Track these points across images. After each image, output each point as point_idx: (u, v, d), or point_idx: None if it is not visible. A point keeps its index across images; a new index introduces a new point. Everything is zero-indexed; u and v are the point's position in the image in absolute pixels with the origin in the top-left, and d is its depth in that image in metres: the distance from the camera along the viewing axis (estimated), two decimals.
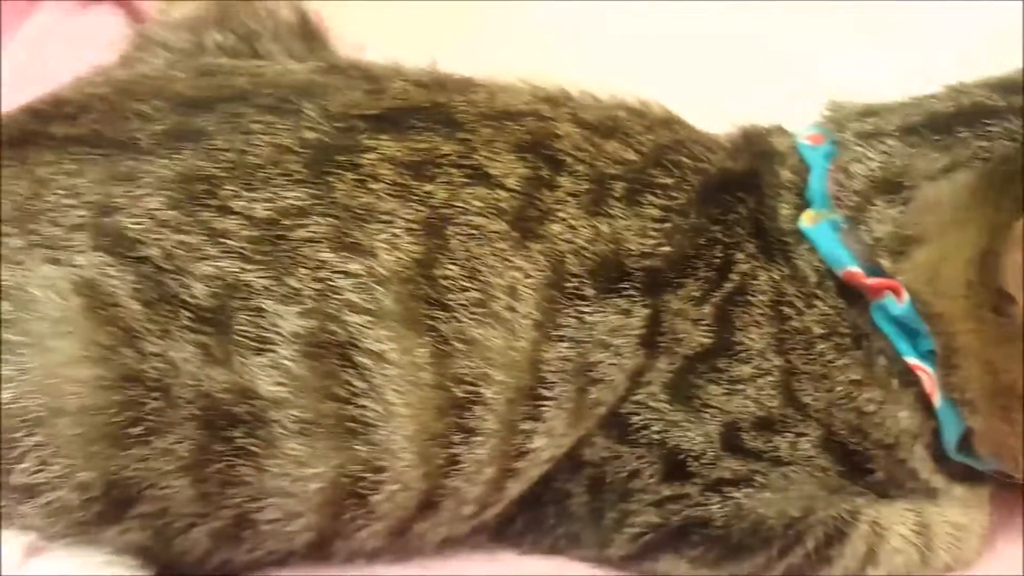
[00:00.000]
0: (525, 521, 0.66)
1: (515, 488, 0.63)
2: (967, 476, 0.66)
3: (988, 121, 0.62)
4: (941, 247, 0.60)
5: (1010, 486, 0.67)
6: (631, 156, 0.65)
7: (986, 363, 0.60)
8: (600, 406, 0.63)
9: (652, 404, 0.63)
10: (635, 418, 0.63)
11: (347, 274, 0.58)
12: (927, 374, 0.62)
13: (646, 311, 0.62)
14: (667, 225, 0.63)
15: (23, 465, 0.54)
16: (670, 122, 0.69)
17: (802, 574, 0.63)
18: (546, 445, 0.62)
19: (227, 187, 0.58)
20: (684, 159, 0.66)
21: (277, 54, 0.76)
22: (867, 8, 1.22)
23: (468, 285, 0.59)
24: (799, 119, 0.72)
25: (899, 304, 0.61)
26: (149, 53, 0.76)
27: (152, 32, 0.78)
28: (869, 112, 0.68)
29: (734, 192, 0.66)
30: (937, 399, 0.62)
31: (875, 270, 0.62)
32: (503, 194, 0.61)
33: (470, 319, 0.59)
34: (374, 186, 0.59)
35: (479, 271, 0.59)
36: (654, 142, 0.66)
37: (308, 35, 0.79)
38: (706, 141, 0.69)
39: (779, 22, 1.10)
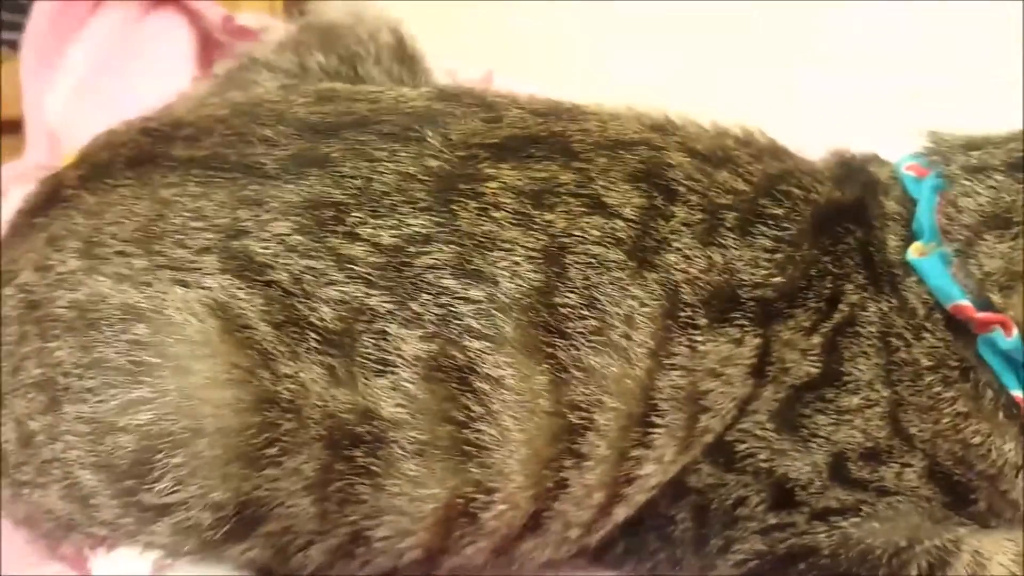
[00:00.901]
0: (627, 545, 0.67)
1: (621, 513, 0.64)
2: None
3: None
4: None
5: None
6: (742, 186, 0.66)
7: None
8: (708, 434, 0.64)
9: (759, 432, 0.64)
10: (741, 446, 0.64)
11: (468, 300, 0.59)
12: None
13: (757, 340, 0.63)
14: (778, 256, 0.64)
15: (160, 486, 0.55)
16: (776, 151, 0.70)
17: None
18: (655, 472, 0.63)
19: (354, 214, 0.59)
20: (794, 189, 0.67)
21: (378, 76, 0.77)
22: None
23: (586, 313, 0.60)
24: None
25: (1008, 338, 0.62)
26: (254, 73, 0.78)
27: (256, 52, 0.79)
28: (973, 145, 0.69)
29: (843, 223, 0.67)
30: None
31: (984, 304, 0.63)
32: (620, 223, 0.62)
33: (587, 347, 0.60)
34: (496, 214, 0.60)
35: (597, 299, 0.60)
36: (763, 172, 0.67)
37: (406, 58, 0.80)
38: (812, 171, 0.70)
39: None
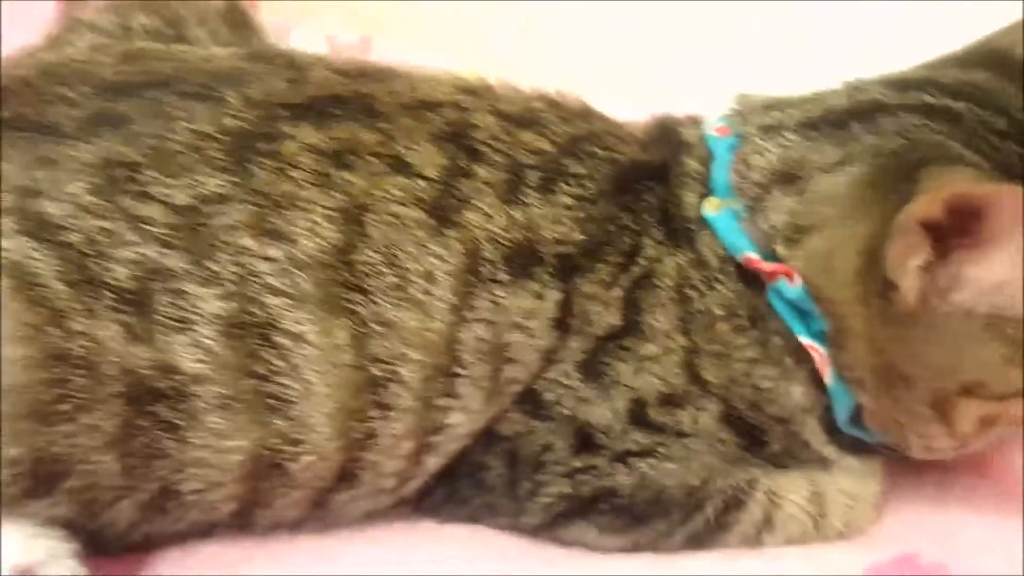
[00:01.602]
0: (444, 493, 0.70)
1: (433, 462, 0.67)
2: (859, 448, 0.71)
3: (881, 117, 0.66)
4: (832, 236, 0.64)
5: (899, 457, 0.71)
6: (546, 146, 0.68)
7: (872, 344, 0.64)
8: (515, 384, 0.66)
9: (565, 382, 0.67)
10: (548, 395, 0.67)
11: (267, 259, 0.60)
12: (819, 353, 0.66)
13: (558, 295, 0.66)
14: (579, 213, 0.67)
15: None
16: (586, 114, 0.73)
17: (703, 540, 0.68)
18: (463, 421, 0.65)
19: (147, 173, 0.60)
20: (597, 149, 0.69)
21: (203, 39, 0.77)
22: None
23: (386, 270, 0.62)
24: None
25: (792, 287, 0.65)
26: (77, 35, 0.77)
27: (81, 13, 0.79)
28: (772, 106, 0.72)
29: (643, 182, 0.69)
30: (828, 376, 0.66)
31: (771, 256, 0.66)
32: (422, 183, 0.64)
33: (387, 303, 0.62)
34: (294, 174, 0.62)
35: (396, 257, 0.62)
36: (569, 133, 0.69)
37: (236, 22, 0.81)
38: (620, 132, 0.72)
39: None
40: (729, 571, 0.65)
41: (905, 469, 0.74)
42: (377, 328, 0.61)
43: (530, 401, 0.67)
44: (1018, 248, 0.57)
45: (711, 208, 0.68)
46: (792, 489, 0.69)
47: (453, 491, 0.70)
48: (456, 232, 0.63)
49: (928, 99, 0.66)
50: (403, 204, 0.63)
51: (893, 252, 0.60)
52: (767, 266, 0.66)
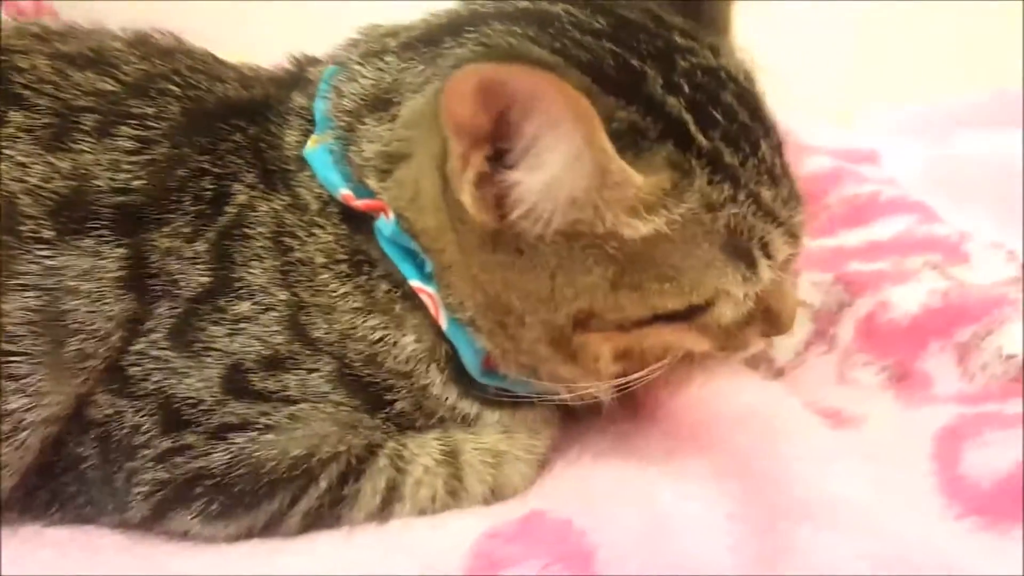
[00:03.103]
0: (49, 492, 0.61)
1: (12, 457, 0.58)
2: (517, 401, 0.63)
3: (469, 28, 0.59)
4: (419, 161, 0.57)
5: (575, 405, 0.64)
6: (109, 87, 0.60)
7: (471, 277, 0.57)
8: (90, 359, 0.58)
9: (154, 353, 0.59)
10: (134, 369, 0.59)
11: None
12: (430, 296, 0.59)
13: (122, 251, 0.58)
14: (141, 158, 0.59)
15: None
16: (175, 51, 0.65)
17: (323, 518, 0.60)
18: (30, 404, 0.57)
19: None
20: (173, 87, 0.62)
21: None
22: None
23: None
24: None
25: (387, 224, 0.58)
26: None
27: None
28: (391, 32, 0.65)
29: (230, 120, 0.62)
30: (443, 321, 0.59)
31: (367, 191, 0.59)
32: None
33: None
34: None
35: None
36: (143, 71, 0.62)
37: None
38: (214, 70, 0.65)
39: None
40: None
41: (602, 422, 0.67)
42: None
43: (118, 379, 0.59)
44: (563, 138, 0.50)
45: (310, 145, 0.61)
46: (423, 451, 0.61)
47: (56, 490, 0.61)
48: None
49: (524, 4, 0.60)
50: None
51: (449, 166, 0.53)
52: (360, 203, 0.59)
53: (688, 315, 0.58)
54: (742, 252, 0.57)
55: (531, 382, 0.62)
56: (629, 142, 0.54)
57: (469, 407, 0.62)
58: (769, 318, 0.63)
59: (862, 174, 1.00)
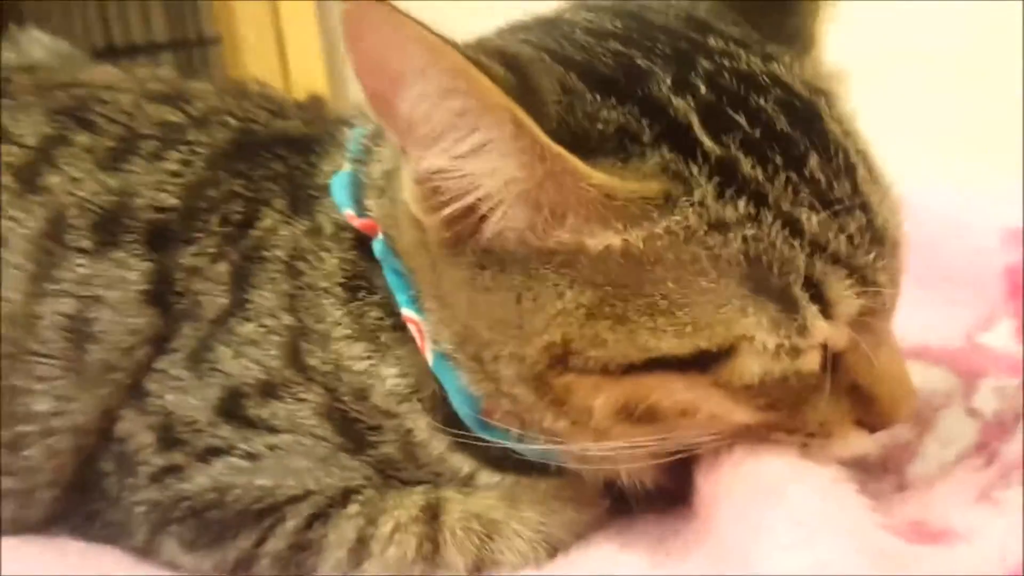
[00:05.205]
0: (85, 510, 0.63)
1: (43, 460, 0.60)
2: (528, 465, 0.54)
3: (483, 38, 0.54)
4: (401, 173, 0.52)
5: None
6: (175, 119, 0.64)
7: (441, 298, 0.51)
8: (114, 371, 0.60)
9: (172, 371, 0.59)
10: (152, 386, 0.59)
11: None
12: (417, 325, 0.53)
13: (147, 265, 0.59)
14: (181, 180, 0.61)
15: None
16: (249, 93, 0.68)
17: (291, 563, 0.54)
18: (58, 409, 0.60)
19: None
20: (231, 120, 0.64)
21: None
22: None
23: None
24: None
25: (376, 243, 0.54)
26: None
27: None
28: None
29: (275, 150, 0.62)
30: (429, 355, 0.53)
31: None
32: (16, 150, 0.62)
33: None
34: None
35: None
36: (212, 107, 0.65)
37: None
38: (284, 111, 0.66)
39: None
40: None
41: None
42: None
43: (138, 395, 0.60)
44: (456, 111, 0.43)
45: (339, 170, 0.59)
46: (398, 505, 0.54)
47: (88, 506, 0.62)
48: (38, 196, 0.60)
49: (548, 16, 0.54)
50: None
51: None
52: (358, 222, 0.56)
53: (700, 364, 0.46)
54: (774, 290, 0.45)
55: (538, 440, 0.52)
56: (616, 146, 0.46)
57: (461, 463, 0.55)
58: (860, 400, 0.49)
59: None
